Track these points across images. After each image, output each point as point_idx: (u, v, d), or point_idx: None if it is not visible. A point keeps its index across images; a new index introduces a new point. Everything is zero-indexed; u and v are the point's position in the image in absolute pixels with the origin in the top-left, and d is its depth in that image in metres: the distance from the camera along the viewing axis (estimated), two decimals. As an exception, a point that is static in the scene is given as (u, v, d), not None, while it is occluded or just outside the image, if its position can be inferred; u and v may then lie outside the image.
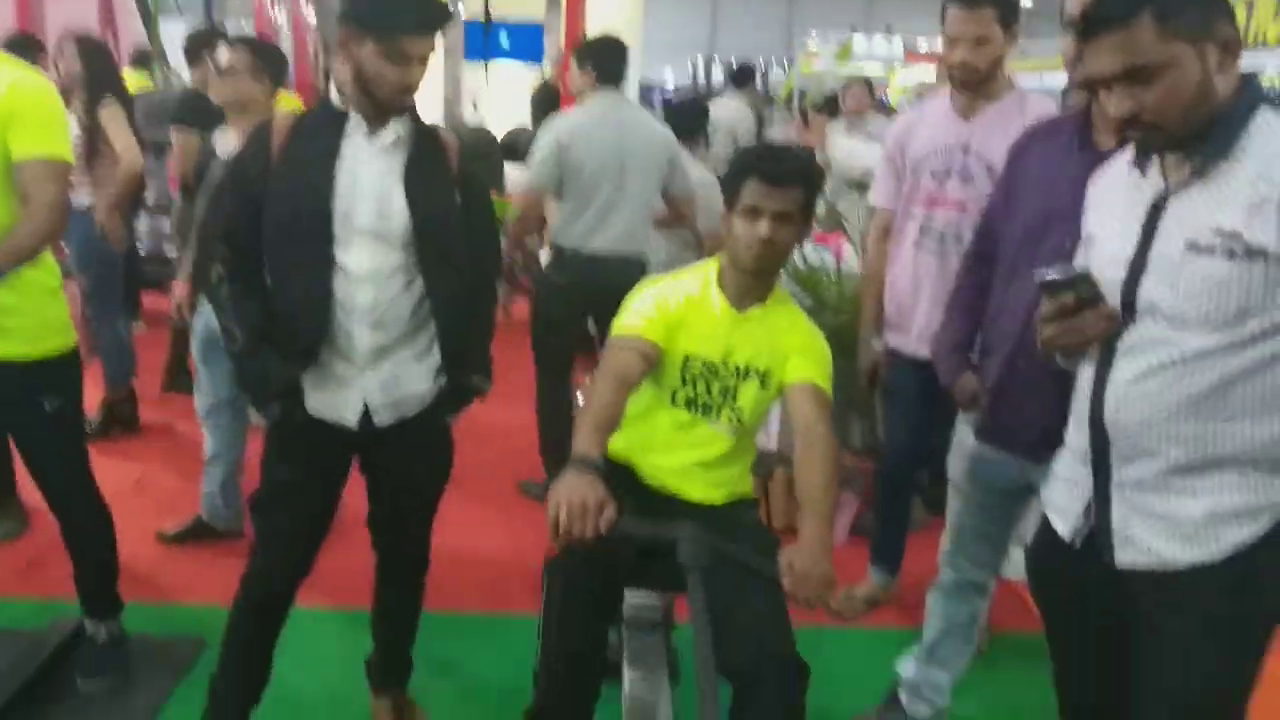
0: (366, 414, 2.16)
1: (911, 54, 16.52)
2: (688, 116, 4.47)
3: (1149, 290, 1.51)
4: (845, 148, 5.12)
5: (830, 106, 6.79)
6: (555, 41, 9.60)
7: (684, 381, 2.08)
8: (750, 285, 2.07)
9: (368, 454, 2.27)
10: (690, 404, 2.10)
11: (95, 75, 3.92)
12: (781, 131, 8.29)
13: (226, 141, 3.08)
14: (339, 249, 2.07)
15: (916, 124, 2.90)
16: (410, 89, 2.04)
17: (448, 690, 2.69)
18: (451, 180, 2.19)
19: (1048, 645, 1.85)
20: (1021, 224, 2.09)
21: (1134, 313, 1.53)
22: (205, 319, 3.08)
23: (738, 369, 2.07)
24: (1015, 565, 2.91)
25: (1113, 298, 1.55)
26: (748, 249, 1.99)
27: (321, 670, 2.75)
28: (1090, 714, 1.80)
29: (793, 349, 2.06)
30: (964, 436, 2.33)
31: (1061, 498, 1.70)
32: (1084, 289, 1.53)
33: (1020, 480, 2.21)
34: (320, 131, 2.09)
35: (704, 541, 1.63)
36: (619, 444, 2.12)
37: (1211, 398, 1.47)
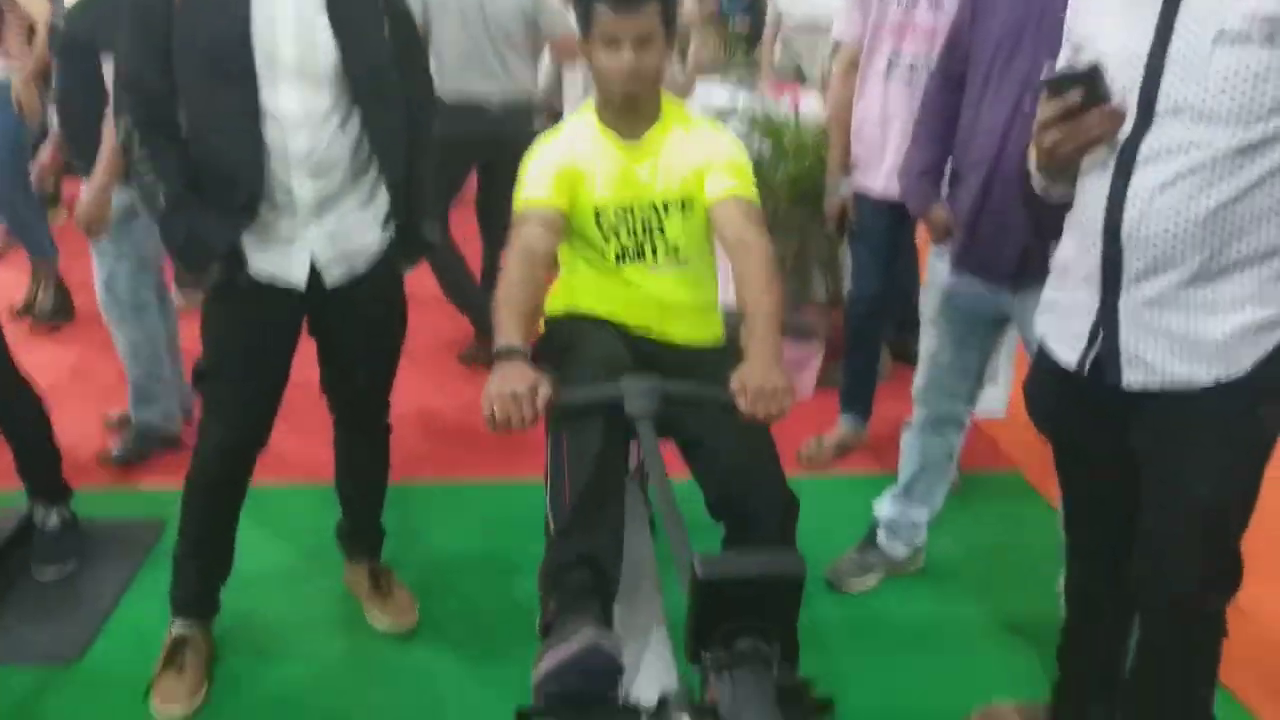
0: (314, 272, 2.01)
1: None
2: None
3: (1172, 88, 1.41)
4: None
5: None
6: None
7: (605, 236, 1.94)
8: (633, 113, 1.92)
9: (318, 315, 2.11)
10: (621, 256, 1.96)
11: None
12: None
13: None
14: (264, 91, 1.87)
15: None
16: None
17: (417, 558, 2.64)
18: (379, 7, 1.99)
19: (1056, 468, 1.82)
20: (992, 38, 2.00)
21: (1152, 115, 1.43)
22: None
23: (654, 204, 1.93)
24: (985, 401, 2.93)
25: (1127, 101, 1.45)
26: (615, 82, 1.84)
27: (292, 545, 2.68)
28: (1099, 522, 1.78)
29: (705, 164, 1.91)
30: (937, 270, 2.27)
31: (1062, 324, 1.63)
32: (1096, 83, 1.42)
33: (996, 311, 2.18)
34: None
35: (648, 390, 1.58)
36: (585, 303, 2.00)
37: (1240, 200, 1.40)
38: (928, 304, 2.33)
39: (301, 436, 2.64)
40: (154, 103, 1.90)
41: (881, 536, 2.56)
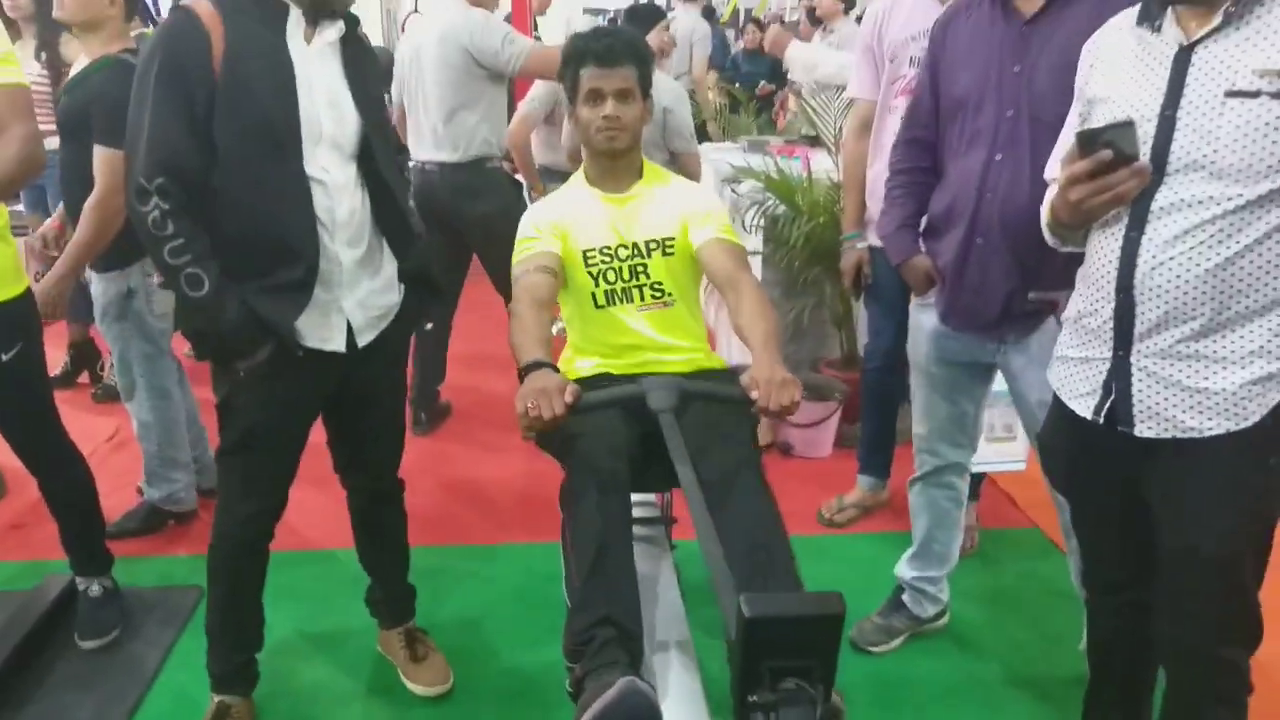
0: (349, 335, 2.06)
1: None
2: (642, 22, 4.36)
3: (1183, 145, 1.49)
4: (800, 59, 4.99)
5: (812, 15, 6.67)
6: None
7: (594, 279, 2.10)
8: (616, 168, 2.12)
9: (353, 380, 2.13)
10: (610, 297, 2.11)
11: (48, 9, 3.69)
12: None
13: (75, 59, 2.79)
14: (309, 162, 1.92)
15: (893, 8, 2.83)
16: None
17: (451, 619, 2.69)
18: (379, 72, 2.12)
19: (1075, 528, 1.87)
20: (957, 100, 2.09)
21: (1165, 171, 1.51)
22: (104, 282, 2.79)
23: (637, 246, 2.10)
24: (1004, 456, 2.98)
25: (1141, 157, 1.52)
26: (598, 131, 2.03)
27: (327, 609, 2.74)
28: (1118, 581, 1.83)
29: (687, 215, 2.10)
30: (921, 318, 2.33)
31: (1076, 377, 1.69)
32: (1126, 140, 1.48)
33: (984, 356, 2.23)
34: (257, 26, 1.87)
35: (669, 385, 1.71)
36: (583, 367, 2.14)
37: (1251, 253, 1.46)
38: (916, 355, 2.38)
39: (317, 498, 2.71)
40: (190, 183, 1.83)
41: (908, 598, 2.59)
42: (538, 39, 7.65)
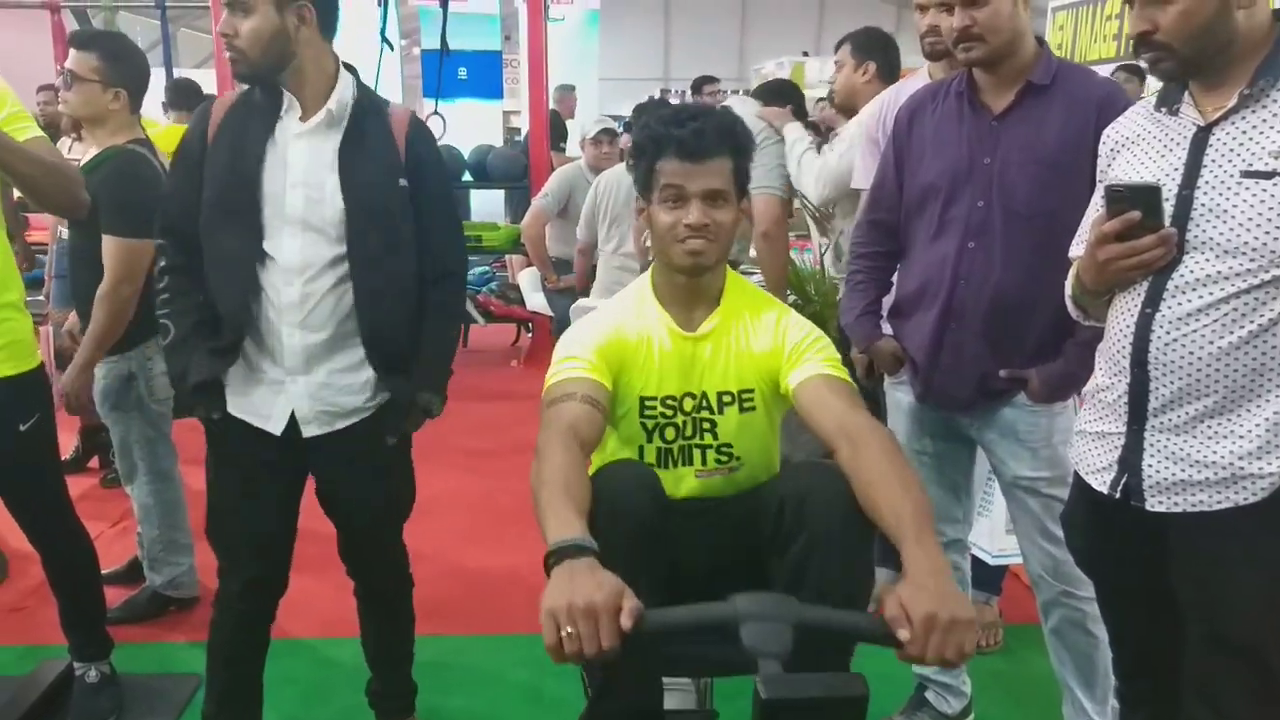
0: (295, 423, 2.02)
1: None
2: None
3: (1199, 224, 1.49)
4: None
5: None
6: (513, 77, 9.56)
7: (648, 434, 1.70)
8: (695, 288, 1.70)
9: (314, 467, 2.12)
10: (664, 457, 1.71)
11: None
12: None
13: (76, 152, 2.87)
14: (268, 240, 1.94)
15: (896, 99, 2.88)
16: (231, 43, 1.89)
17: (454, 713, 2.60)
18: (397, 162, 1.99)
19: (1100, 607, 1.81)
20: (927, 187, 2.13)
21: (1182, 250, 1.51)
22: (105, 366, 2.79)
23: (707, 397, 1.69)
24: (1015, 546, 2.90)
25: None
26: (678, 242, 1.63)
27: (324, 700, 2.65)
28: (1149, 667, 1.76)
29: (779, 349, 1.68)
30: (897, 396, 2.34)
31: (1093, 452, 1.67)
32: (1154, 203, 1.49)
33: (962, 429, 2.24)
34: (255, 112, 1.96)
35: (778, 615, 1.16)
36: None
37: (1265, 334, 1.45)
38: (899, 433, 2.35)
39: (331, 583, 2.65)
40: (183, 246, 2.01)
41: (931, 695, 2.50)
42: (562, 148, 7.84)
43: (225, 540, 2.12)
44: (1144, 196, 1.49)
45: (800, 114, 3.75)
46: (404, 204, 2.01)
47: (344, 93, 1.99)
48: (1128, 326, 1.57)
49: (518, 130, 10.45)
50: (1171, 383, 1.52)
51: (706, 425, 1.70)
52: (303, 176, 1.95)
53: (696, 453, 1.72)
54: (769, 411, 1.73)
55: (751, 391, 1.70)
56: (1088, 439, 1.70)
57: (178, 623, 3.03)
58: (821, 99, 5.97)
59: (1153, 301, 1.53)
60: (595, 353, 1.66)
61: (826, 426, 1.55)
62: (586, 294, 4.45)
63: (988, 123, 2.06)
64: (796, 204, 4.84)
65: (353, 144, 1.98)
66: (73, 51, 2.72)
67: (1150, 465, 1.57)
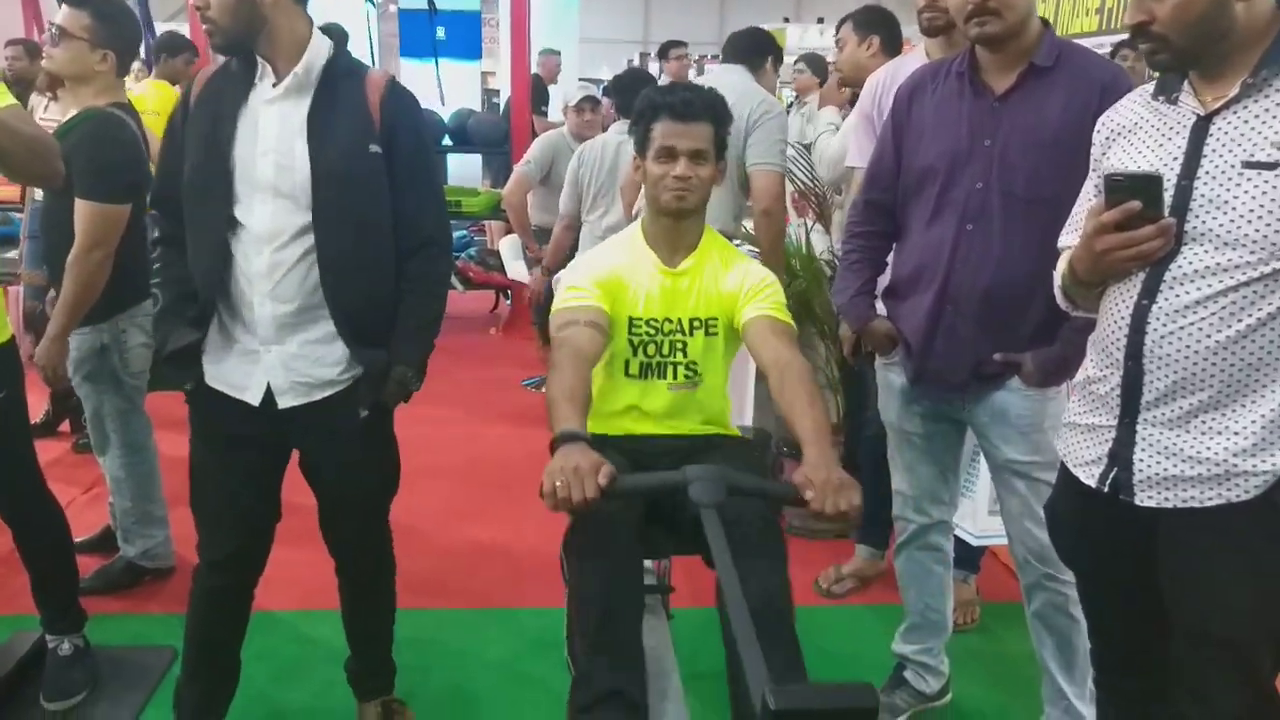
0: (270, 394, 1.99)
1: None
2: (635, 90, 4.35)
3: (1199, 215, 1.47)
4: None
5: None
6: (491, 36, 9.40)
7: (633, 348, 2.03)
8: (677, 232, 2.04)
9: (295, 439, 2.08)
10: (644, 370, 2.04)
11: None
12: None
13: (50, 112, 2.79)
14: (239, 207, 1.91)
15: (895, 80, 2.84)
16: (203, 14, 1.86)
17: (434, 690, 2.59)
18: (369, 127, 1.93)
19: (1080, 599, 1.81)
20: (925, 169, 2.11)
21: (1180, 241, 1.49)
22: (78, 337, 2.71)
23: (681, 323, 2.03)
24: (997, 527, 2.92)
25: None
26: (666, 189, 1.96)
27: (302, 676, 2.63)
28: (1128, 662, 1.76)
29: (739, 289, 2.02)
30: (889, 377, 2.33)
31: (1082, 444, 1.66)
32: (1154, 193, 1.46)
33: (953, 412, 2.23)
34: (232, 81, 1.95)
35: (715, 477, 1.55)
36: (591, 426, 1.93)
37: (1262, 328, 1.44)
38: (889, 414, 2.36)
39: (312, 555, 2.62)
40: (172, 219, 2.01)
41: (909, 674, 2.51)
42: (544, 112, 7.71)
43: (204, 512, 2.09)
44: (1144, 186, 1.47)
45: (777, 66, 3.69)
46: (375, 170, 1.95)
47: (314, 56, 1.93)
48: (1123, 318, 1.55)
49: (495, 92, 10.28)
50: (1166, 376, 1.50)
51: (680, 345, 2.04)
52: (274, 144, 1.91)
53: (669, 368, 2.05)
54: (726, 339, 2.06)
55: (715, 319, 2.04)
56: (1077, 431, 1.68)
57: (153, 594, 3.00)
58: (800, 65, 5.85)
59: (1149, 293, 1.51)
60: (594, 283, 1.99)
61: (764, 358, 1.93)
62: (560, 269, 4.39)
63: (989, 104, 2.03)
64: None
65: (322, 109, 1.93)
66: (65, 7, 2.63)
67: (1141, 460, 1.55)
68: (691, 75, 7.52)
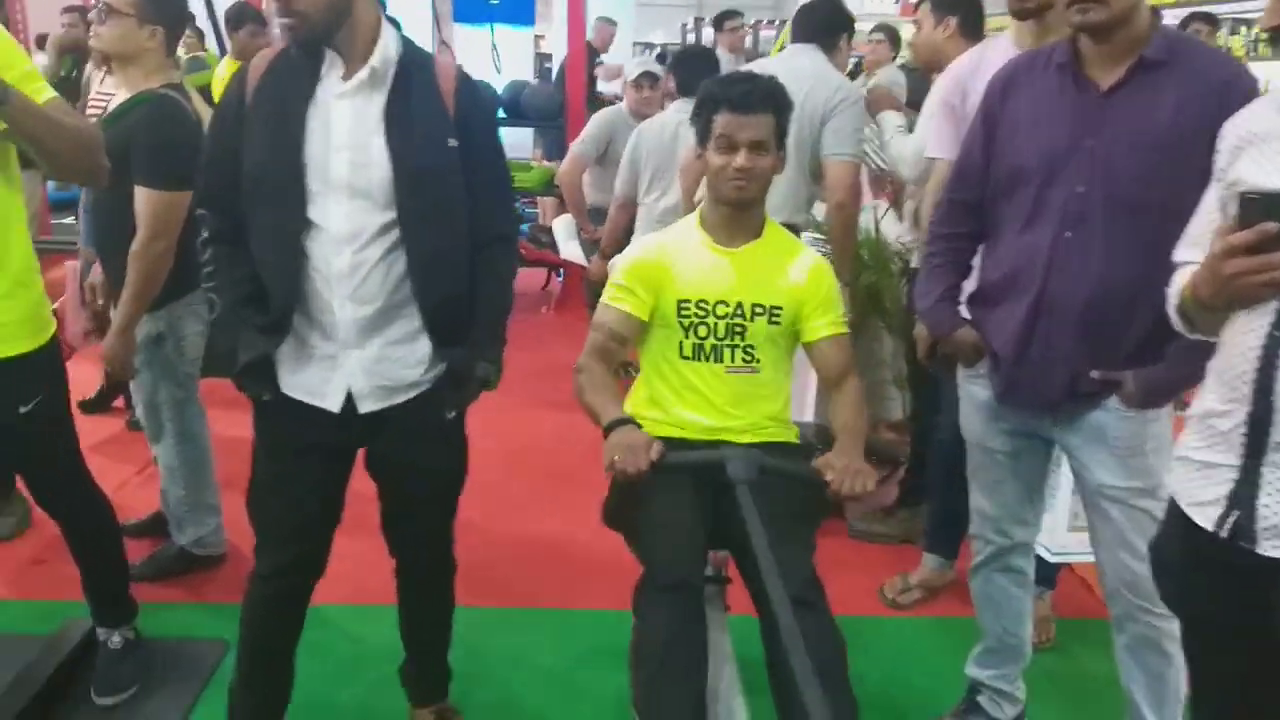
0: (351, 399, 1.92)
1: (908, 6, 15.72)
2: (696, 68, 4.16)
3: None
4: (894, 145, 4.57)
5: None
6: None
7: (684, 330, 2.05)
8: (737, 221, 2.06)
9: (368, 446, 2.01)
10: (698, 351, 2.06)
11: None
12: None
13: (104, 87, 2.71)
14: (313, 207, 1.82)
15: (977, 66, 2.68)
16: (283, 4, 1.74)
17: (487, 695, 2.52)
18: (446, 121, 1.88)
19: (1185, 653, 1.68)
20: (1020, 168, 1.96)
21: None
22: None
23: (741, 306, 2.04)
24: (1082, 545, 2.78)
25: None
26: (726, 180, 1.98)
27: (354, 674, 2.58)
28: None
29: (804, 296, 2.06)
30: (973, 390, 2.19)
31: (1198, 483, 1.51)
32: None
33: (1042, 430, 2.09)
34: (295, 72, 1.83)
35: (748, 457, 1.76)
36: (646, 414, 2.10)
37: None
38: (972, 430, 2.23)
39: (369, 548, 2.56)
40: (225, 215, 1.89)
41: (984, 700, 2.39)
42: (594, 79, 7.56)
43: (264, 519, 2.02)
44: None
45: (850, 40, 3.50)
46: (454, 165, 1.89)
47: (388, 48, 1.84)
48: (1251, 349, 1.40)
49: (548, 56, 10.17)
50: None
51: (738, 329, 2.05)
52: (348, 139, 1.82)
53: (726, 351, 2.06)
54: (790, 330, 2.09)
55: (780, 309, 2.06)
56: (1191, 467, 1.53)
57: (204, 582, 2.96)
58: (878, 34, 5.58)
59: None
60: (630, 275, 2.06)
61: (827, 376, 2.11)
62: (617, 253, 4.27)
63: (1093, 99, 1.87)
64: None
65: (399, 103, 1.84)
66: None
67: (1266, 505, 1.40)
68: (759, 59, 7.29)
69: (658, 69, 4.84)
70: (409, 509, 2.11)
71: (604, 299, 2.09)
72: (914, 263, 3.16)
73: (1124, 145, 1.84)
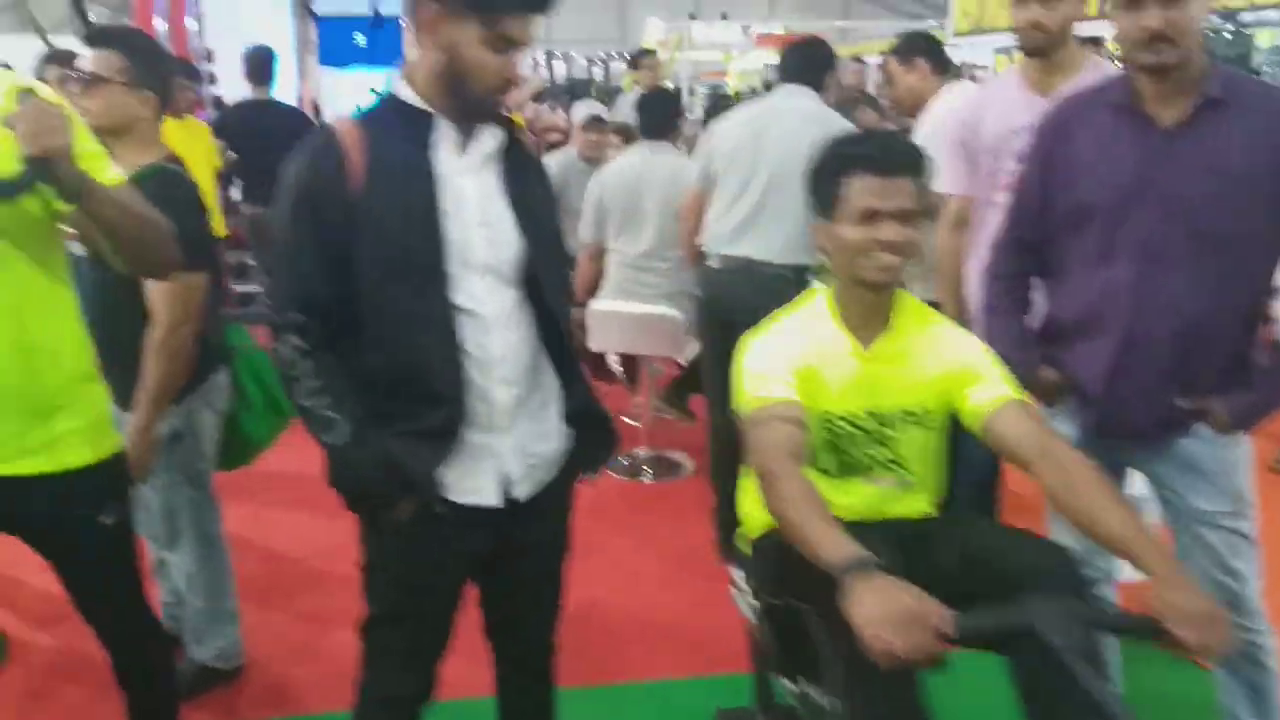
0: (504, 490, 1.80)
1: (763, 37, 16.17)
2: (660, 110, 4.19)
3: None
4: None
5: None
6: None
7: (829, 448, 1.83)
8: (875, 307, 1.82)
9: (506, 536, 1.86)
10: (843, 468, 1.85)
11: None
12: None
13: None
14: (455, 290, 1.68)
15: (986, 102, 2.79)
16: (512, 83, 1.67)
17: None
18: (549, 186, 1.91)
19: None
20: (1084, 205, 2.02)
21: None
22: None
23: (885, 417, 1.82)
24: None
25: None
26: (871, 259, 1.73)
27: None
28: None
29: (950, 372, 1.81)
30: (1053, 427, 2.22)
31: None
32: None
33: (1133, 461, 2.16)
34: (399, 141, 1.67)
35: (1065, 614, 1.37)
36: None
37: None
38: None
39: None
40: (327, 318, 1.67)
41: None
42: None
43: (390, 651, 1.83)
44: None
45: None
46: (559, 228, 1.93)
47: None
48: None
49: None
50: None
51: (882, 440, 1.82)
52: (480, 216, 1.71)
53: (874, 467, 1.84)
54: (943, 430, 1.85)
55: (930, 413, 1.83)
56: None
57: (234, 697, 2.69)
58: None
59: None
60: (790, 375, 1.75)
61: (1026, 451, 1.67)
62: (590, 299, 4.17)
63: (1159, 136, 1.93)
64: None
65: (514, 172, 1.76)
66: (91, 51, 2.30)
67: None
68: (754, 98, 7.30)
69: (604, 112, 4.82)
70: (536, 595, 1.98)
71: (761, 391, 1.74)
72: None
73: (1198, 181, 1.90)
